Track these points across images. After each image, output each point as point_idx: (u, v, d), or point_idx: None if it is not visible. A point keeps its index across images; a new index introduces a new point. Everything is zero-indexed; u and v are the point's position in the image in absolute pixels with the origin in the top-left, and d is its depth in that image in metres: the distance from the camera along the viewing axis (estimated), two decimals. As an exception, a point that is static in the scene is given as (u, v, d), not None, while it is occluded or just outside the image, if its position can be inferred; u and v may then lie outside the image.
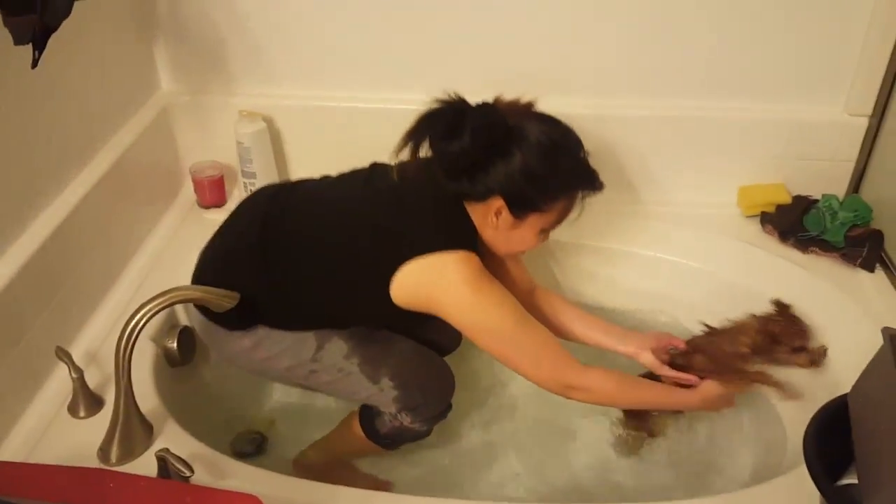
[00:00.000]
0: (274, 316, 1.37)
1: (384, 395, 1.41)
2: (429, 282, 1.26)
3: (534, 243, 1.37)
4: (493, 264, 1.40)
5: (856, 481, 1.13)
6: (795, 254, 1.74)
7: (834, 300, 1.62)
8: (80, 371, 1.31)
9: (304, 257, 1.34)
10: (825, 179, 1.83)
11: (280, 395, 1.77)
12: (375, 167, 1.41)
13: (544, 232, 1.36)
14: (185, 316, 1.62)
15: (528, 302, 1.52)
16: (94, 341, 1.49)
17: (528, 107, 1.34)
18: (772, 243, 1.78)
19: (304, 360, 1.38)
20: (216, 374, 1.69)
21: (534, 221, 1.32)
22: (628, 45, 1.77)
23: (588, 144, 1.85)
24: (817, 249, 1.72)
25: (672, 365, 1.50)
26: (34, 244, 1.37)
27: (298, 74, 1.88)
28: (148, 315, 1.19)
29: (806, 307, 1.63)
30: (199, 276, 1.42)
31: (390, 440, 1.49)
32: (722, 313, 1.76)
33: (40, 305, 1.38)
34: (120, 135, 1.71)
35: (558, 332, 1.53)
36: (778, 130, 1.81)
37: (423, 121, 1.27)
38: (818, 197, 1.80)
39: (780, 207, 1.81)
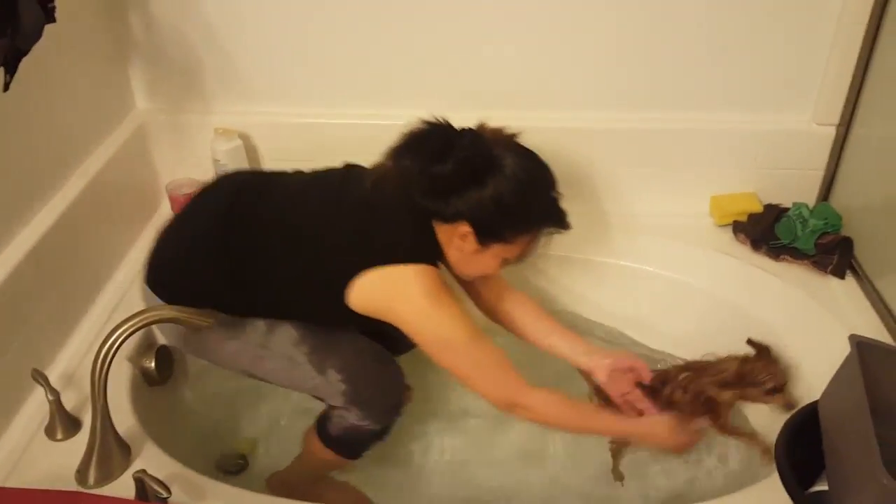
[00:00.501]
0: (227, 302, 1.37)
1: (331, 388, 1.40)
2: (388, 290, 1.28)
3: (495, 270, 1.39)
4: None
5: (827, 488, 1.15)
6: (767, 262, 1.77)
7: (805, 308, 1.65)
8: (56, 393, 1.30)
9: (268, 249, 1.35)
10: (795, 188, 1.86)
11: (264, 412, 1.76)
12: (351, 170, 1.42)
13: (506, 261, 1.38)
14: (161, 335, 1.61)
15: (497, 304, 1.55)
16: (70, 362, 1.48)
17: (511, 137, 1.35)
18: (744, 252, 1.80)
19: (251, 344, 1.38)
20: (195, 393, 1.69)
21: (497, 250, 1.34)
22: (601, 59, 1.80)
23: (562, 158, 1.87)
24: (789, 257, 1.75)
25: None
26: (9, 265, 1.37)
27: (274, 91, 1.89)
28: (123, 336, 1.19)
29: (778, 315, 1.66)
30: (156, 260, 1.42)
31: (346, 444, 1.47)
32: (695, 322, 1.79)
33: (16, 327, 1.37)
34: (96, 154, 1.71)
35: (522, 334, 1.55)
36: (748, 141, 1.84)
37: (410, 141, 1.29)
38: (789, 205, 1.83)
39: (751, 216, 1.84)
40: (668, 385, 1.49)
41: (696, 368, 1.51)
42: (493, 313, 1.57)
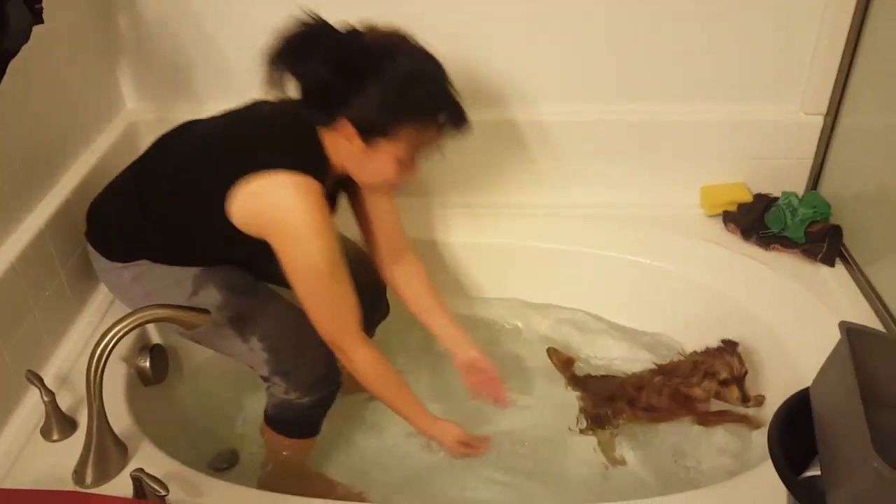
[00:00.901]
0: (151, 248, 1.40)
1: (255, 356, 1.41)
2: (262, 202, 1.27)
3: (393, 174, 1.33)
4: (366, 212, 1.48)
5: (819, 473, 1.16)
6: (758, 251, 1.78)
7: (796, 296, 1.66)
8: (51, 394, 1.30)
9: (168, 185, 1.38)
10: (784, 177, 1.87)
11: (257, 408, 1.76)
12: (256, 101, 1.40)
13: (403, 164, 1.32)
14: (156, 334, 1.62)
15: (391, 263, 1.57)
16: (64, 364, 1.49)
17: (403, 38, 1.29)
18: (734, 241, 1.82)
19: (178, 302, 1.36)
20: (190, 391, 1.69)
21: (387, 148, 1.29)
22: (590, 52, 1.80)
23: (551, 149, 1.90)
24: (779, 246, 1.76)
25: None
26: (1, 267, 1.36)
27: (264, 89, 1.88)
28: (118, 335, 1.19)
29: (769, 304, 1.67)
30: (89, 218, 1.49)
31: (285, 423, 1.47)
32: (685, 311, 1.81)
33: (9, 328, 1.37)
34: (86, 155, 1.71)
35: (405, 300, 1.59)
36: (737, 131, 1.85)
37: (278, 41, 1.25)
38: (778, 195, 1.84)
39: (741, 206, 1.85)
40: (645, 390, 1.56)
41: (668, 370, 1.57)
42: (383, 270, 1.58)
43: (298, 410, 1.45)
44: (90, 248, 1.49)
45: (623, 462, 1.60)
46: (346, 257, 1.59)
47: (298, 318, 1.40)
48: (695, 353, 1.58)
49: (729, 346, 1.55)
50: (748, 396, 1.47)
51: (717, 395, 1.52)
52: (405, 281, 1.59)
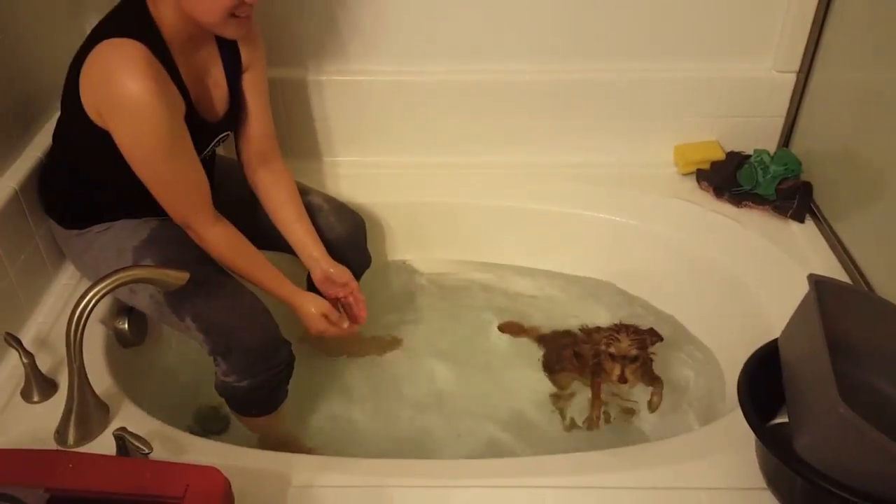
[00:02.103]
0: (87, 207, 1.42)
1: (192, 334, 1.40)
2: (88, 78, 1.24)
3: (228, 2, 1.25)
4: (239, 113, 1.47)
5: (786, 420, 1.20)
6: (730, 208, 1.81)
7: (766, 251, 1.70)
8: (30, 356, 1.30)
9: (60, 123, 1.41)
10: (757, 135, 1.89)
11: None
12: None
13: None
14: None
15: (257, 168, 1.55)
16: (42, 326, 1.48)
17: None
18: (707, 199, 1.84)
19: None
20: (170, 353, 1.70)
21: None
22: (559, 9, 1.80)
23: (523, 110, 1.90)
24: (750, 203, 1.79)
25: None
26: (-25, 230, 1.35)
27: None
28: (97, 296, 1.19)
29: (740, 259, 1.71)
30: (39, 184, 1.51)
31: (233, 401, 1.48)
32: (659, 268, 1.84)
33: (-15, 293, 1.37)
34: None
35: (269, 209, 1.56)
36: (710, 89, 1.86)
37: None
38: (751, 152, 1.87)
39: (714, 164, 1.87)
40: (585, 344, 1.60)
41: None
42: (249, 172, 1.56)
43: (240, 392, 1.43)
44: (48, 217, 1.50)
45: (576, 425, 1.64)
46: (320, 207, 1.61)
47: (233, 300, 1.40)
48: (621, 324, 1.57)
49: (637, 331, 1.52)
50: (626, 378, 1.46)
51: (601, 368, 1.53)
52: (270, 187, 1.56)
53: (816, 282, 1.17)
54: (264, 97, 1.52)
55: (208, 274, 1.42)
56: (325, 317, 1.48)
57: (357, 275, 1.69)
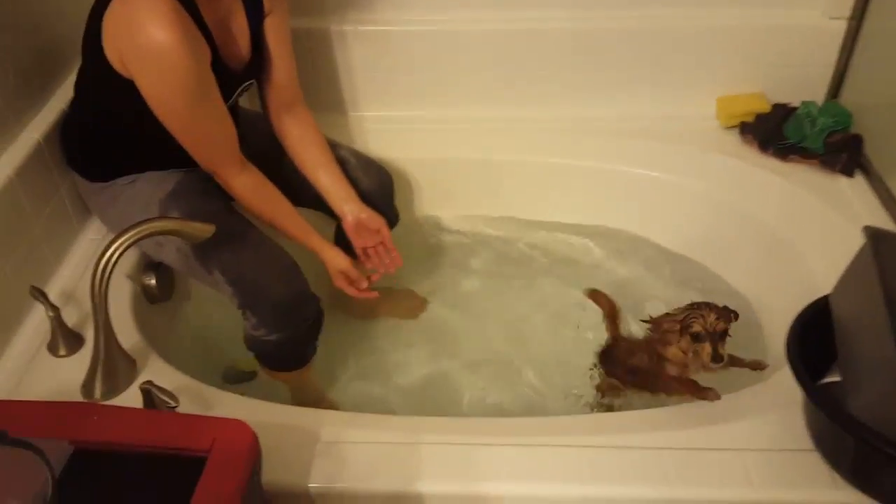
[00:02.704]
0: (113, 159, 1.39)
1: (221, 288, 1.38)
2: (113, 28, 1.21)
3: None
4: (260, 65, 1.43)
5: (836, 380, 1.15)
6: (775, 163, 1.73)
7: (813, 207, 1.62)
8: (56, 309, 1.29)
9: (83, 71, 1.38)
10: (804, 86, 1.80)
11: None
12: None
13: None
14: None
15: (281, 113, 1.52)
16: (69, 280, 1.46)
17: None
18: (752, 154, 1.76)
19: None
20: (198, 309, 1.68)
21: None
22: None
23: (558, 59, 1.83)
24: (797, 157, 1.71)
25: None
26: (0, 180, 1.32)
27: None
28: (122, 247, 1.16)
29: (786, 216, 1.64)
30: (61, 136, 1.48)
31: (262, 356, 1.48)
32: (702, 225, 1.77)
33: (10, 245, 1.34)
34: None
35: (293, 154, 1.53)
36: (755, 37, 1.78)
37: None
38: (797, 104, 1.78)
39: (759, 117, 1.79)
40: (634, 355, 1.43)
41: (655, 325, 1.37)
42: (272, 118, 1.53)
43: (269, 346, 1.42)
44: (72, 170, 1.47)
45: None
46: (346, 161, 1.57)
47: (262, 253, 1.38)
48: (676, 310, 1.36)
49: (708, 305, 1.32)
50: (721, 356, 1.25)
51: (692, 353, 1.30)
52: (296, 135, 1.53)
53: (872, 234, 1.10)
54: (287, 43, 1.48)
55: (236, 226, 1.39)
56: (345, 275, 1.45)
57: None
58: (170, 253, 1.41)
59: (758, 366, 1.31)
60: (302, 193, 1.52)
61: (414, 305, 1.81)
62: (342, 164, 1.57)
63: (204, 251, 1.35)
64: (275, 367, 1.50)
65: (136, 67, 1.21)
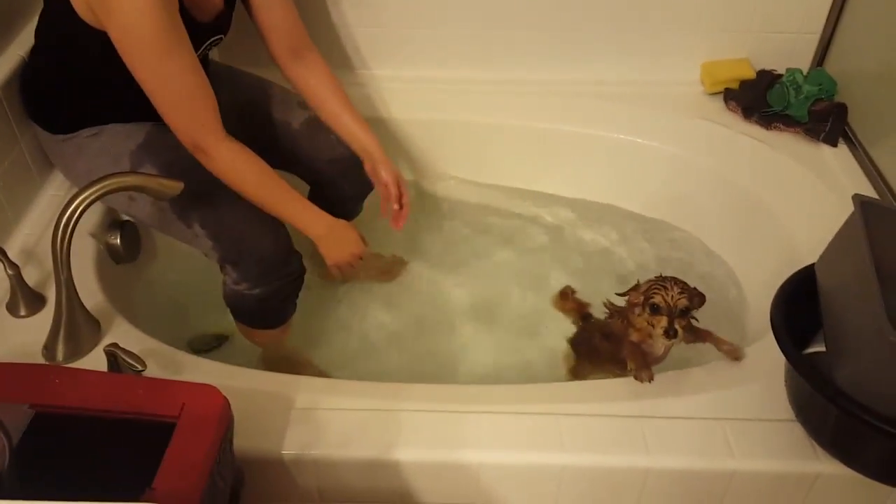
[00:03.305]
0: (78, 108, 1.31)
1: (200, 242, 1.33)
2: None
3: None
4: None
5: (819, 350, 1.14)
6: (759, 130, 1.71)
7: (796, 176, 1.60)
8: (16, 267, 1.23)
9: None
10: (790, 53, 1.78)
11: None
12: None
13: None
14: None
15: (291, 61, 1.44)
16: (29, 238, 1.40)
17: None
18: (735, 120, 1.74)
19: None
20: (165, 270, 1.62)
21: None
22: None
23: (542, 21, 1.77)
24: (781, 125, 1.69)
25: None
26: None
27: None
28: (84, 203, 1.10)
29: (769, 184, 1.62)
30: (21, 85, 1.41)
31: (243, 313, 1.43)
32: (683, 191, 1.75)
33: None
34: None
35: (314, 104, 1.48)
36: (742, 2, 1.73)
37: None
38: (782, 71, 1.76)
39: (743, 83, 1.76)
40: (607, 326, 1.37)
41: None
42: (286, 71, 1.46)
43: (251, 301, 1.38)
44: (33, 124, 1.39)
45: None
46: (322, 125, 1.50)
47: (243, 205, 1.30)
48: (664, 276, 1.29)
49: (675, 280, 1.26)
50: (675, 331, 1.19)
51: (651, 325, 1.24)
52: (308, 81, 1.46)
53: (862, 203, 1.08)
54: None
55: (214, 179, 1.30)
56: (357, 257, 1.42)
57: (359, 197, 1.63)
58: (143, 207, 1.34)
59: (733, 354, 1.26)
60: (276, 155, 1.46)
61: (393, 267, 1.77)
62: (317, 126, 1.51)
63: (182, 205, 1.30)
64: (254, 324, 1.45)
65: (103, 13, 1.13)
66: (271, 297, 1.39)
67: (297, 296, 1.45)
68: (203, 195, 1.29)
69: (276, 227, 1.35)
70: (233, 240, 1.32)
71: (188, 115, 1.21)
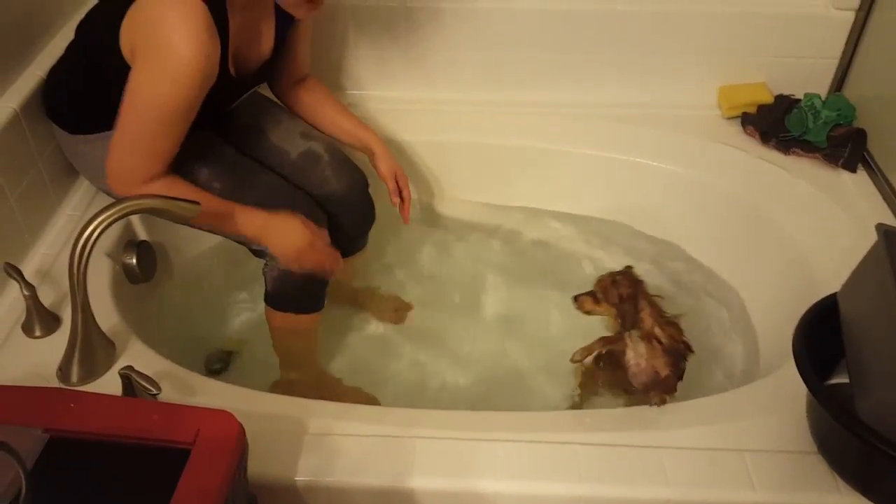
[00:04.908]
0: (104, 111, 1.30)
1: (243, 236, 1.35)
2: (145, 21, 1.15)
3: None
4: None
5: (841, 381, 1.12)
6: (776, 155, 1.69)
7: (814, 201, 1.59)
8: (32, 288, 1.22)
9: (93, 29, 1.32)
10: (808, 78, 1.77)
11: (249, 310, 1.70)
12: None
13: None
14: (143, 230, 1.53)
15: (294, 92, 1.53)
16: (45, 258, 1.40)
17: None
18: (753, 145, 1.73)
19: None
20: (181, 290, 1.63)
21: None
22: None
23: (558, 43, 1.78)
24: (799, 150, 1.67)
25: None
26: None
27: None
28: (102, 225, 1.10)
29: (787, 210, 1.61)
30: (45, 89, 1.42)
31: (288, 297, 1.42)
32: (700, 216, 1.74)
33: (-16, 220, 1.28)
34: (65, 31, 1.57)
35: (312, 119, 1.54)
36: (760, 26, 1.73)
37: None
38: (800, 96, 1.75)
39: (761, 108, 1.76)
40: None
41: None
42: (284, 97, 1.54)
43: (298, 280, 1.39)
44: (53, 125, 1.40)
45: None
46: (319, 158, 1.51)
47: (282, 190, 1.39)
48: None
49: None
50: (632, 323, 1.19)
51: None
52: (305, 99, 1.53)
53: (886, 232, 1.06)
54: (308, 39, 1.48)
55: (252, 167, 1.38)
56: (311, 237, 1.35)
57: (358, 232, 1.62)
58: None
59: (656, 399, 1.22)
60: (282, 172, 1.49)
61: (398, 312, 1.74)
62: (314, 160, 1.50)
63: (226, 193, 1.32)
64: (293, 307, 1.43)
65: (142, 63, 1.16)
66: (313, 279, 1.39)
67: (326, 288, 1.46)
68: (247, 183, 1.35)
69: (314, 208, 1.40)
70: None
71: (130, 161, 1.24)
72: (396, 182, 1.54)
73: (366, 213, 1.60)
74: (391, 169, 1.53)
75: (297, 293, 1.42)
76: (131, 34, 1.18)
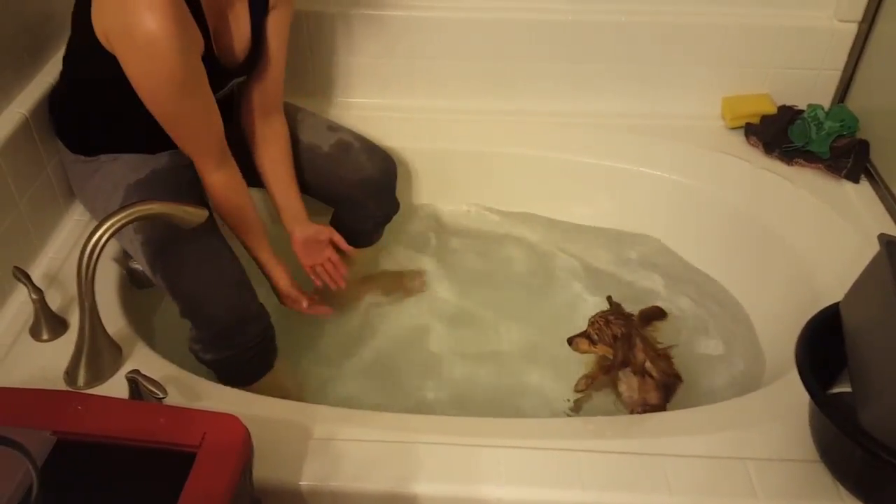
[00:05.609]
0: (98, 135, 1.34)
1: (165, 292, 1.31)
2: (111, 4, 1.14)
3: None
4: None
5: (844, 390, 1.12)
6: (780, 166, 1.70)
7: (818, 211, 1.60)
8: (40, 292, 1.24)
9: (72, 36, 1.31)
10: (811, 89, 1.78)
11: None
12: None
13: None
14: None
15: (258, 117, 1.45)
16: (53, 262, 1.41)
17: None
18: (756, 155, 1.73)
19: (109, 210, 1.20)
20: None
21: None
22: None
23: (560, 52, 1.79)
24: (802, 161, 1.68)
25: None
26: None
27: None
28: (110, 230, 1.11)
29: (790, 220, 1.62)
30: (49, 102, 1.43)
31: (230, 378, 1.35)
32: (704, 226, 1.74)
33: (-7, 224, 1.29)
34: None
35: (258, 164, 1.48)
36: (764, 37, 1.74)
37: None
38: (804, 107, 1.76)
39: (764, 118, 1.76)
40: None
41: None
42: (248, 121, 1.46)
43: (206, 364, 1.34)
44: (58, 139, 1.42)
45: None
46: (350, 145, 1.52)
47: (209, 266, 1.29)
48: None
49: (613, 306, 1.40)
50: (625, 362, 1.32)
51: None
52: (265, 140, 1.47)
53: (888, 242, 1.07)
54: (285, 43, 1.42)
55: (195, 231, 1.25)
56: (287, 296, 1.47)
57: (384, 219, 1.64)
58: (128, 242, 1.35)
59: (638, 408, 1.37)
60: (303, 178, 1.50)
61: (417, 280, 1.78)
62: (345, 147, 1.53)
63: (154, 251, 1.29)
64: (223, 382, 1.32)
65: (120, 50, 1.15)
66: (229, 363, 1.34)
67: (266, 356, 1.39)
68: (171, 247, 1.28)
69: (232, 291, 1.30)
70: (187, 300, 1.29)
71: (190, 143, 1.28)
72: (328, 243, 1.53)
73: (393, 199, 1.63)
74: (312, 264, 1.54)
75: (216, 371, 1.36)
76: (101, 21, 1.17)
